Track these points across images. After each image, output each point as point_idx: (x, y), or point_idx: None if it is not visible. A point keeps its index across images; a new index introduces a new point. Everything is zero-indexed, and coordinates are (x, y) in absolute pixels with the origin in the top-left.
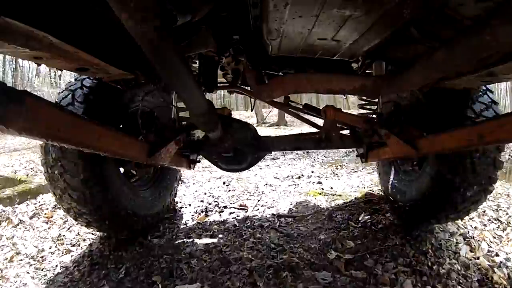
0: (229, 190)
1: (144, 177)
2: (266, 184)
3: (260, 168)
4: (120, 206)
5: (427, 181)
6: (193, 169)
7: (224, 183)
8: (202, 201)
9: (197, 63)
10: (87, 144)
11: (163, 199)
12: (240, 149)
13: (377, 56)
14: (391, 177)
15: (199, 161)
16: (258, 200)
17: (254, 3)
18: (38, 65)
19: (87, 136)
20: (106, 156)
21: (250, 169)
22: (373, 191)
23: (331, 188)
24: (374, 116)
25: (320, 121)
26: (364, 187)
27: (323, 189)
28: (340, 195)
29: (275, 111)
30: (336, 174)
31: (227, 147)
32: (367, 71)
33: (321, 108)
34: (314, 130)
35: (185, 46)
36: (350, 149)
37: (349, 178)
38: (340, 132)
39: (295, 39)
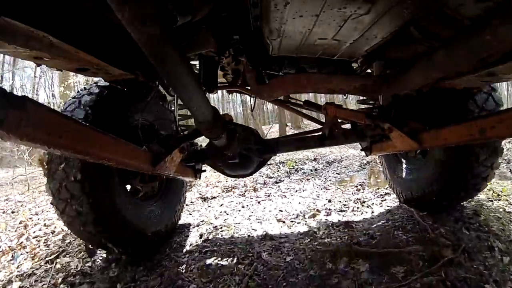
0: (206, 251)
1: (149, 193)
2: (265, 236)
3: (258, 202)
4: (124, 222)
5: (433, 168)
6: (199, 178)
7: (200, 236)
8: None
9: (197, 63)
10: (90, 152)
11: (167, 216)
12: (245, 154)
13: (377, 56)
14: (401, 168)
15: (204, 170)
16: (250, 277)
17: (254, 3)
18: (38, 65)
19: (90, 144)
20: (109, 170)
21: (243, 205)
22: (444, 236)
23: (371, 238)
24: (375, 110)
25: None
26: (428, 234)
27: (358, 243)
28: (390, 254)
29: (276, 127)
30: (364, 203)
31: (232, 153)
32: (367, 71)
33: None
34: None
35: (185, 46)
36: (364, 162)
37: (387, 210)
38: (343, 127)
39: (296, 39)
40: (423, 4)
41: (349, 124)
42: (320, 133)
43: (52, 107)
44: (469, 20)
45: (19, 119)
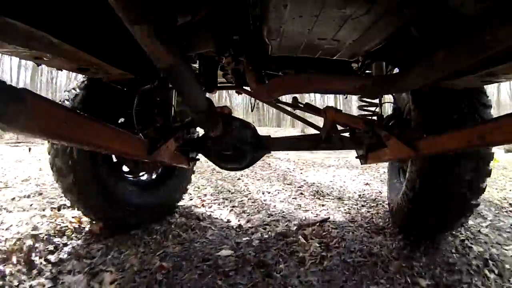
0: None
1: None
2: None
3: None
4: (117, 200)
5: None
6: (192, 166)
7: None
8: None
9: (197, 63)
10: (87, 141)
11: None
12: (239, 148)
13: (377, 56)
14: (396, 176)
15: (198, 159)
16: None
17: (253, 3)
18: (38, 65)
19: (87, 134)
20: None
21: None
22: None
23: None
24: (374, 117)
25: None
26: None
27: None
28: None
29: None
30: None
31: (226, 145)
32: (367, 71)
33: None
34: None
35: (185, 46)
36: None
37: None
38: (341, 133)
39: (295, 39)
40: (423, 4)
41: (348, 133)
42: (318, 136)
43: None
44: (469, 20)
45: (18, 112)
